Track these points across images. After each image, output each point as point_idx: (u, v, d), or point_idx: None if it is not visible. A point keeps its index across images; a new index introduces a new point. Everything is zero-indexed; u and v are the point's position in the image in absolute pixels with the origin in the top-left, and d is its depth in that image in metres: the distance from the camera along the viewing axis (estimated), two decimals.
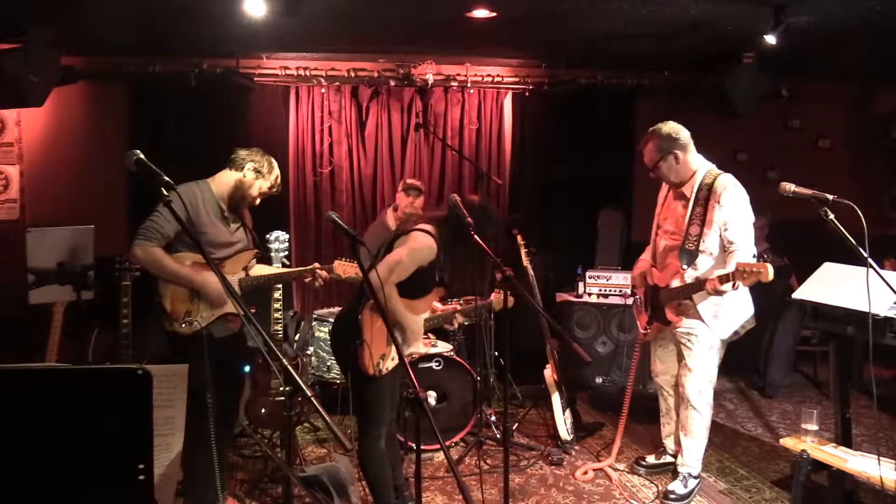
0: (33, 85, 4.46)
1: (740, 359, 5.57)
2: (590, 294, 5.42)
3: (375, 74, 5.66)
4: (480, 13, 4.37)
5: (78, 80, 5.19)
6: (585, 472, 3.95)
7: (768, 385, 5.46)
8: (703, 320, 3.49)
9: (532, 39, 5.21)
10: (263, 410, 3.85)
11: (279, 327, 3.54)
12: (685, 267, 3.49)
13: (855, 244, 2.48)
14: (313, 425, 4.59)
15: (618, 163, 6.07)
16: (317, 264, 3.48)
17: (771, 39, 4.33)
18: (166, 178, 1.99)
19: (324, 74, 5.60)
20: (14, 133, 5.41)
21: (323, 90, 5.70)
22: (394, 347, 2.93)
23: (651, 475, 3.92)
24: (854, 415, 3.40)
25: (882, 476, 2.79)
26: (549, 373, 4.39)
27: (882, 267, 2.97)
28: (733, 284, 3.19)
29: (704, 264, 3.46)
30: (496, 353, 4.64)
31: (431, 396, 4.00)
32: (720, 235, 3.41)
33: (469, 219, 2.77)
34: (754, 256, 3.18)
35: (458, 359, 4.31)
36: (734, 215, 3.37)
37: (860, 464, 2.98)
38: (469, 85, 5.84)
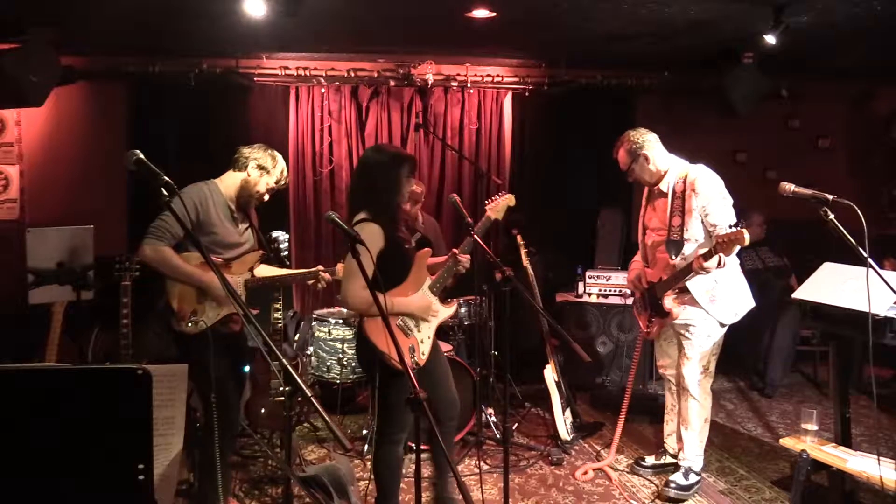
0: (33, 85, 4.45)
1: (740, 359, 5.58)
2: (590, 294, 5.43)
3: (375, 74, 5.66)
4: (480, 13, 4.38)
5: (78, 80, 5.18)
6: (585, 472, 3.95)
7: (768, 385, 5.45)
8: (701, 306, 3.53)
9: (532, 39, 5.21)
10: (263, 410, 3.84)
11: (279, 326, 3.53)
12: (674, 258, 3.56)
13: (855, 244, 2.48)
14: (313, 425, 4.58)
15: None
16: (320, 266, 3.47)
17: (771, 39, 4.33)
18: (166, 179, 1.98)
19: (324, 74, 5.60)
20: (14, 133, 5.41)
21: (323, 90, 5.70)
22: (413, 336, 2.95)
23: (651, 475, 3.92)
24: (854, 415, 3.40)
25: (882, 476, 2.79)
26: (549, 373, 4.39)
27: (882, 267, 2.97)
28: (719, 260, 3.30)
29: (692, 251, 3.52)
30: (496, 353, 4.63)
31: None
32: (702, 222, 3.50)
33: (469, 219, 2.74)
34: (731, 226, 3.21)
35: (457, 359, 4.32)
36: (711, 199, 3.47)
37: (860, 464, 2.99)
38: (469, 85, 5.84)
